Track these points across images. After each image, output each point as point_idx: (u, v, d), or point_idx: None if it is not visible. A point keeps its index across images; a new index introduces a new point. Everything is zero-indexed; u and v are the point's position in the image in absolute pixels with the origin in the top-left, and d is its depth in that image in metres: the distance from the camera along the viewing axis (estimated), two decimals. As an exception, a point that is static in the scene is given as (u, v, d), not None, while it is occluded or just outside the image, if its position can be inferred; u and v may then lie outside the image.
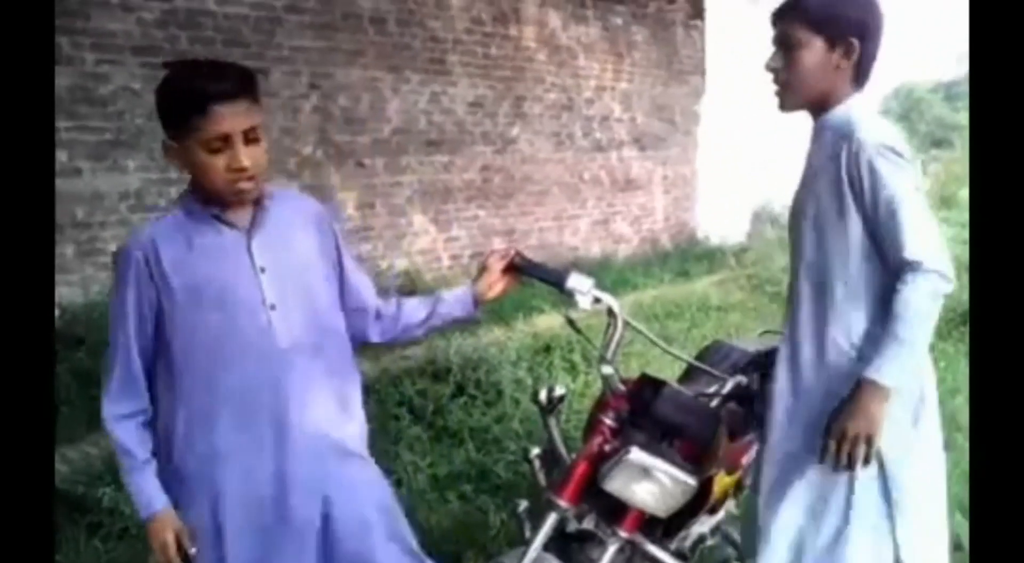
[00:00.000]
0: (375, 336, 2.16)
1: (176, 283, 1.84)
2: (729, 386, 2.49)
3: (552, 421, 2.42)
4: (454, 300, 2.20)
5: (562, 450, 2.40)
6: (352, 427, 2.05)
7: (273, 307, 1.88)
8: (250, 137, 1.80)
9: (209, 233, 1.87)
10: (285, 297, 1.90)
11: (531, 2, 8.15)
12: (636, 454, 2.10)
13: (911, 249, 1.88)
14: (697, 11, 10.26)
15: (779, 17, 2.10)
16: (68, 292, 4.96)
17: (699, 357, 2.82)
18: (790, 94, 2.11)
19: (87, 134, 5.22)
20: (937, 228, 1.96)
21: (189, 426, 1.89)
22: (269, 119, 5.98)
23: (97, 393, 1.92)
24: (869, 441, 1.91)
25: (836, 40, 2.03)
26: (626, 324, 2.25)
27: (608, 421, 2.24)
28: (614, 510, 2.21)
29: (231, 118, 1.76)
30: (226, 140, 1.77)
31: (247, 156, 1.79)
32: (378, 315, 2.14)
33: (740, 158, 10.98)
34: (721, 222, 10.49)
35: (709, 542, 2.73)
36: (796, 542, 2.11)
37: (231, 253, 1.87)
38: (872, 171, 1.93)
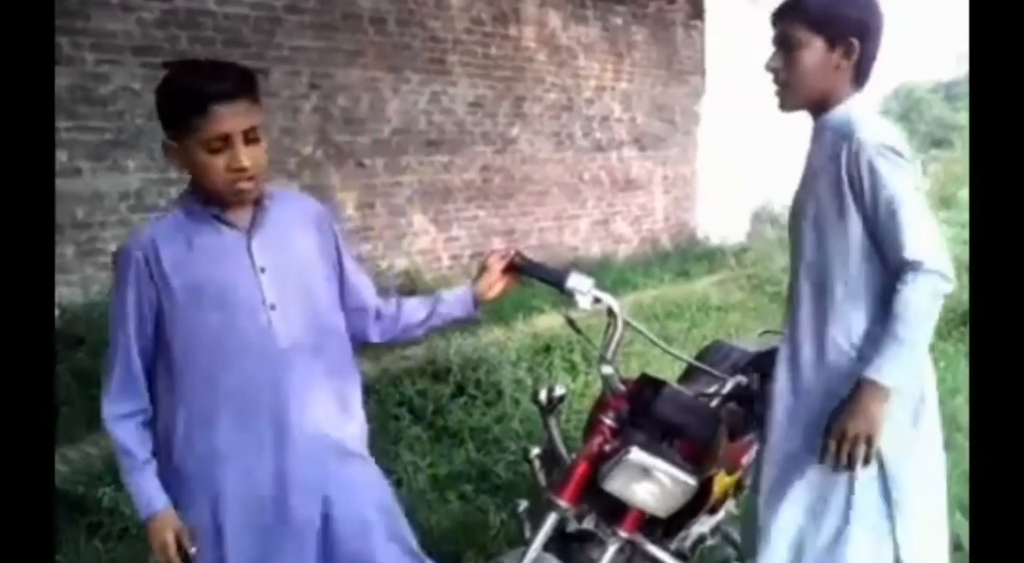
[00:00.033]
0: (375, 336, 2.16)
1: (176, 283, 1.84)
2: (729, 386, 2.48)
3: (552, 421, 2.42)
4: (454, 300, 2.20)
5: (562, 450, 2.40)
6: (352, 427, 2.05)
7: (273, 307, 1.88)
8: (250, 137, 1.80)
9: (209, 233, 1.87)
10: (285, 297, 1.90)
11: (531, 2, 8.15)
12: (636, 454, 2.10)
13: (911, 249, 1.88)
14: (697, 11, 10.26)
15: (779, 17, 2.10)
16: (68, 292, 4.96)
17: (699, 357, 2.82)
18: (790, 94, 2.11)
19: (87, 134, 5.22)
20: (937, 228, 1.96)
21: (189, 426, 1.89)
22: (269, 119, 5.98)
23: (97, 393, 1.92)
24: (869, 441, 1.91)
25: (836, 40, 2.03)
26: (626, 324, 2.25)
27: (608, 421, 2.24)
28: (614, 510, 2.21)
29: (231, 118, 1.76)
30: (226, 140, 1.77)
31: (247, 156, 1.79)
32: (378, 315, 2.14)
33: (740, 158, 10.99)
34: (721, 222, 10.49)
35: (709, 542, 2.73)
36: (796, 542, 2.11)
37: (231, 253, 1.87)
38: (872, 171, 1.93)
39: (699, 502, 2.32)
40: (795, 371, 2.13)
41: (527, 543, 2.17)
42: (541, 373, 4.95)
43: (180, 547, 1.86)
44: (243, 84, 1.80)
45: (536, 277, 2.25)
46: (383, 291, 2.27)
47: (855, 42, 2.03)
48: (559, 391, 2.40)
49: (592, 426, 2.31)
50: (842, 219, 2.01)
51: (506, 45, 7.93)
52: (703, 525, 2.63)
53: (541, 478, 2.43)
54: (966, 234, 1.93)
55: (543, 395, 2.39)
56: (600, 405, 2.36)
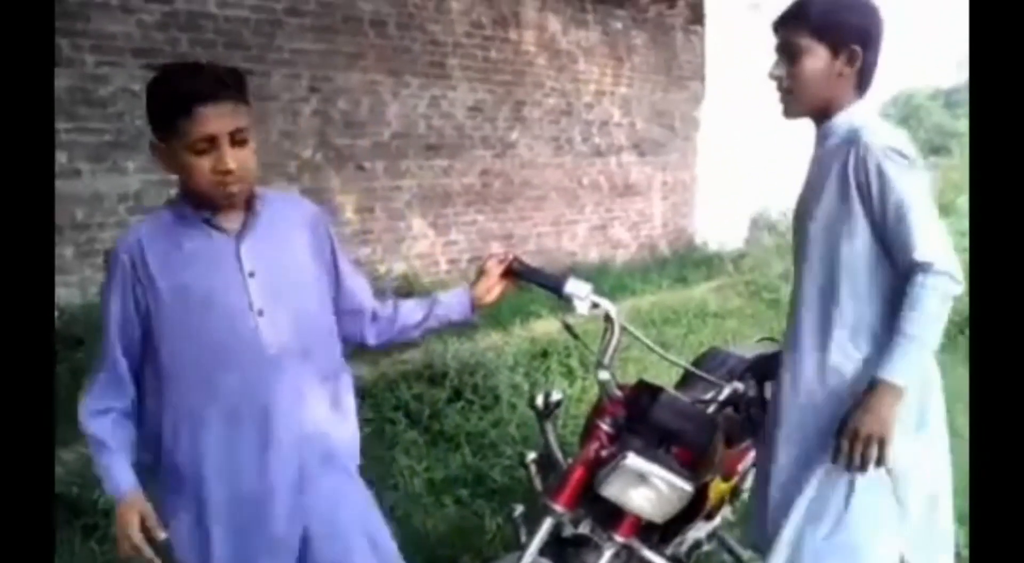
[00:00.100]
0: (371, 338, 2.16)
1: (163, 286, 1.83)
2: (726, 393, 2.49)
3: (549, 426, 2.42)
4: (451, 303, 2.19)
5: (559, 455, 2.40)
6: (343, 431, 2.04)
7: (261, 312, 1.86)
8: (237, 139, 1.78)
9: (198, 237, 1.86)
10: (274, 302, 1.88)
11: (531, 6, 8.16)
12: (633, 460, 2.10)
13: (921, 251, 1.89)
14: (697, 16, 10.27)
15: (781, 25, 2.11)
16: (67, 293, 4.96)
17: (696, 363, 2.82)
18: (794, 102, 2.12)
19: (87, 135, 5.22)
20: (945, 230, 1.96)
21: (176, 429, 1.88)
22: (269, 122, 6.01)
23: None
24: (881, 442, 1.91)
25: (839, 48, 2.04)
26: (623, 330, 2.26)
27: (605, 427, 2.24)
28: (610, 515, 2.22)
29: (215, 119, 1.75)
30: (211, 141, 1.75)
31: (233, 158, 1.77)
32: (374, 317, 2.14)
33: (739, 164, 10.99)
34: (719, 228, 10.49)
35: (705, 548, 2.74)
36: (801, 546, 2.11)
37: (219, 257, 1.86)
38: (880, 174, 1.94)
39: (695, 508, 2.33)
40: (799, 375, 2.13)
41: (523, 548, 2.17)
42: (538, 378, 4.94)
43: (150, 533, 1.83)
44: (229, 85, 1.78)
45: (534, 282, 2.25)
46: (380, 294, 2.27)
47: (858, 49, 2.04)
48: (556, 396, 2.40)
49: (589, 431, 2.31)
50: (849, 223, 2.01)
51: (506, 49, 7.94)
52: (699, 531, 2.64)
53: (537, 483, 2.44)
54: (965, 242, 1.93)
55: (540, 400, 2.40)
56: (597, 410, 2.36)
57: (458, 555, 3.19)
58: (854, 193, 1.99)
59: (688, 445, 2.22)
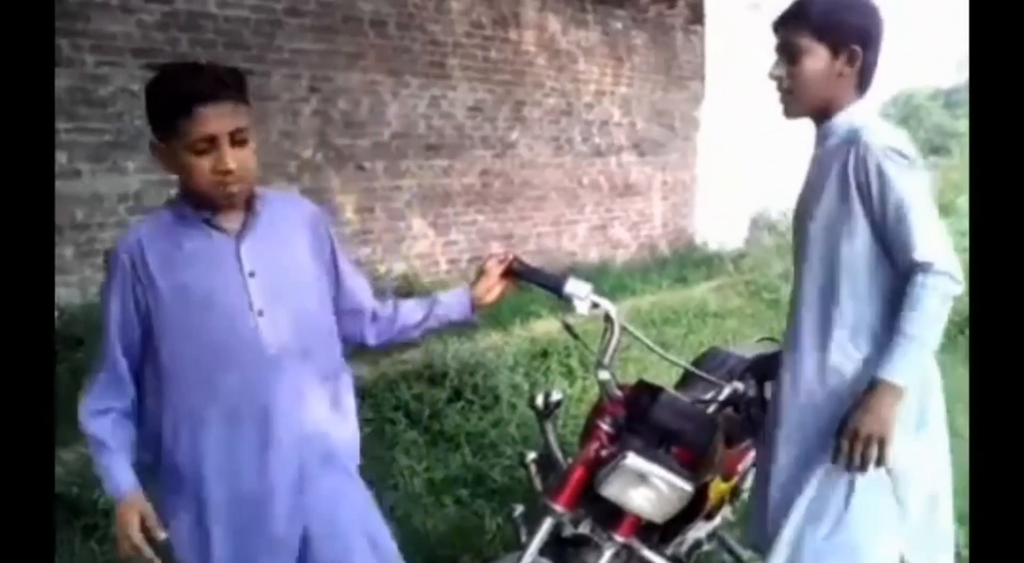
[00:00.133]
0: (371, 338, 2.15)
1: (163, 286, 1.83)
2: (726, 392, 2.49)
3: (549, 426, 2.42)
4: (451, 302, 2.19)
5: (559, 455, 2.40)
6: (343, 431, 2.04)
7: (261, 312, 1.86)
8: (237, 139, 1.78)
9: (198, 237, 1.86)
10: (274, 302, 1.88)
11: (531, 6, 8.16)
12: (633, 460, 2.10)
13: (922, 251, 1.89)
14: (697, 16, 10.27)
15: (781, 25, 2.11)
16: (67, 293, 4.96)
17: (696, 363, 2.82)
18: (795, 102, 2.12)
19: (87, 136, 5.22)
20: (945, 230, 1.96)
21: (176, 429, 1.88)
22: (269, 122, 6.01)
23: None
24: (882, 442, 1.91)
25: (840, 48, 2.04)
26: (623, 330, 2.26)
27: (605, 426, 2.24)
28: (610, 515, 2.22)
29: (215, 119, 1.74)
30: (211, 141, 1.75)
31: (233, 158, 1.77)
32: (374, 317, 2.14)
33: (739, 164, 10.99)
34: (719, 228, 10.49)
35: (705, 547, 2.74)
36: (801, 546, 2.11)
37: (218, 257, 1.86)
38: (880, 174, 1.94)
39: (695, 508, 2.33)
40: (799, 375, 2.13)
41: (523, 547, 2.17)
42: (538, 378, 4.95)
43: (150, 533, 1.82)
44: (228, 85, 1.78)
45: (534, 282, 2.25)
46: (380, 294, 2.27)
47: (858, 49, 2.04)
48: (556, 396, 2.40)
49: (589, 431, 2.31)
50: (849, 223, 2.02)
51: (506, 49, 7.94)
52: (699, 531, 2.64)
53: (537, 483, 2.44)
54: (965, 242, 1.94)
55: (540, 400, 2.40)
56: (597, 410, 2.36)
57: (458, 555, 3.19)
58: (854, 193, 1.99)
59: (688, 445, 2.22)
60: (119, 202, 5.38)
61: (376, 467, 3.82)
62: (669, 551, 2.46)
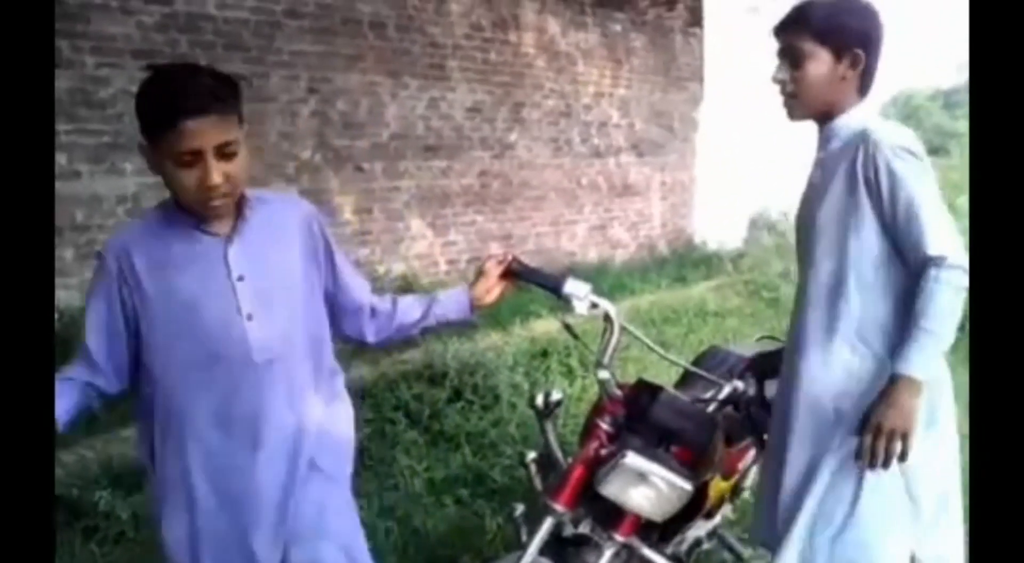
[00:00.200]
0: (370, 335, 2.14)
1: (150, 289, 1.82)
2: (726, 391, 2.49)
3: (549, 425, 2.43)
4: (449, 302, 2.18)
5: (559, 454, 2.40)
6: (334, 435, 2.01)
7: (250, 317, 1.83)
8: (224, 152, 1.73)
9: (187, 240, 1.83)
10: (264, 306, 1.85)
11: (530, 8, 8.16)
12: (632, 459, 2.10)
13: (934, 246, 1.90)
14: (696, 18, 10.29)
15: (783, 29, 2.12)
16: (67, 295, 4.95)
17: (696, 362, 2.82)
18: (798, 106, 2.14)
19: (86, 137, 5.22)
20: (954, 224, 1.97)
21: (166, 434, 1.87)
22: (267, 123, 6.02)
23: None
24: (904, 436, 1.91)
25: (842, 51, 2.06)
26: (623, 329, 2.26)
27: (605, 426, 2.24)
28: (610, 514, 2.22)
29: (200, 135, 1.69)
30: (197, 155, 1.70)
31: (219, 172, 1.72)
32: (373, 313, 2.12)
33: (737, 165, 11.00)
34: (718, 228, 10.50)
35: (705, 546, 2.74)
36: (812, 543, 2.10)
37: (207, 262, 1.83)
38: (890, 172, 1.95)
39: (695, 507, 2.33)
40: (805, 372, 2.14)
41: (523, 547, 2.17)
42: (538, 378, 4.95)
43: None
44: (218, 97, 1.72)
45: (533, 282, 2.25)
46: (380, 294, 2.26)
47: (860, 53, 2.06)
48: (556, 396, 2.40)
49: (588, 431, 2.31)
50: (856, 216, 2.03)
51: (505, 51, 7.95)
52: (699, 529, 2.64)
53: (537, 482, 2.44)
54: (965, 242, 1.94)
55: (540, 400, 2.40)
56: (597, 410, 2.36)
57: (458, 555, 3.19)
58: (862, 188, 2.00)
59: (688, 444, 2.22)
60: (117, 204, 5.38)
61: (376, 467, 3.83)
62: (669, 550, 2.46)
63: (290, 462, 1.90)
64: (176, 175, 1.73)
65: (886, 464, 1.93)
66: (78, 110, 5.16)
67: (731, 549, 2.91)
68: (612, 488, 2.13)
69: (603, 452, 2.20)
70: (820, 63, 2.07)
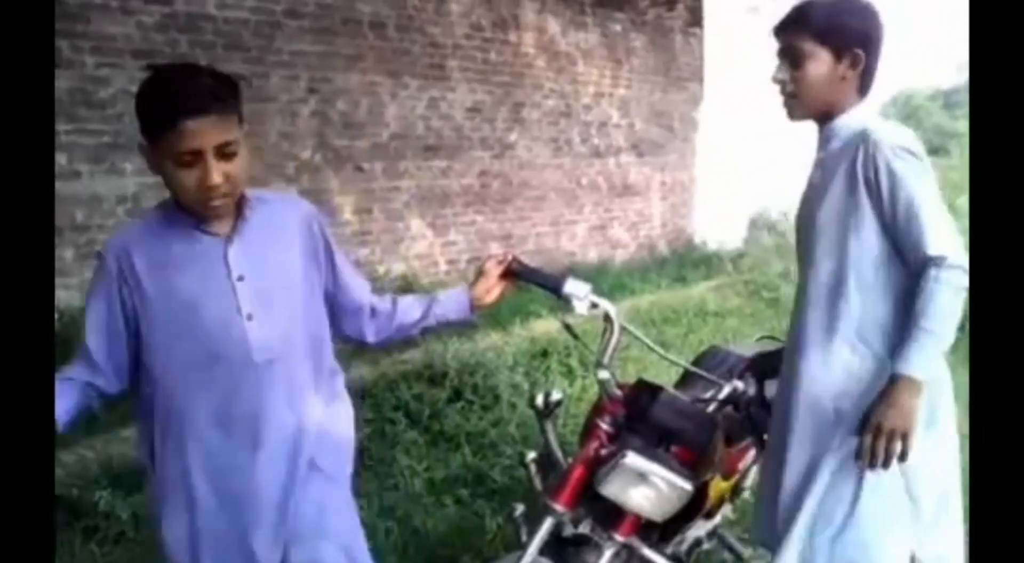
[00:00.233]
0: (371, 335, 2.13)
1: (150, 289, 1.81)
2: (726, 391, 2.50)
3: (549, 425, 2.43)
4: (449, 302, 2.18)
5: (559, 454, 2.40)
6: (334, 435, 2.01)
7: (250, 317, 1.83)
8: (224, 152, 1.73)
9: (187, 240, 1.83)
10: (264, 306, 1.85)
11: (530, 8, 8.17)
12: (632, 459, 2.10)
13: (934, 246, 1.91)
14: (696, 19, 10.29)
15: (783, 29, 2.12)
16: (67, 295, 4.95)
17: (696, 362, 2.82)
18: (798, 106, 2.14)
19: (86, 137, 5.22)
20: (954, 224, 1.97)
21: (166, 435, 1.87)
22: (267, 123, 6.02)
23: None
24: (904, 436, 1.91)
25: (842, 51, 2.06)
26: (623, 329, 2.26)
27: (604, 426, 2.24)
28: (610, 514, 2.22)
29: (200, 135, 1.69)
30: (197, 155, 1.70)
31: (219, 172, 1.72)
32: (373, 313, 2.12)
33: (737, 165, 11.00)
34: (718, 228, 10.50)
35: (705, 546, 2.74)
36: (812, 543, 2.11)
37: (207, 262, 1.83)
38: (890, 172, 1.95)
39: (695, 507, 2.33)
40: (805, 372, 2.14)
41: (523, 547, 2.17)
42: (538, 378, 4.95)
43: None
44: (218, 97, 1.72)
45: (533, 282, 2.25)
46: (380, 294, 2.26)
47: (860, 53, 2.06)
48: (556, 396, 2.40)
49: (588, 431, 2.31)
50: (856, 216, 2.03)
51: (505, 51, 7.95)
52: (699, 529, 2.64)
53: (537, 482, 2.44)
54: (965, 242, 1.94)
55: (540, 400, 2.40)
56: (597, 410, 2.36)
57: (458, 555, 3.19)
58: (862, 188, 2.01)
59: (688, 444, 2.22)
60: (117, 204, 5.38)
61: (376, 467, 3.83)
62: (669, 550, 2.46)
63: (290, 462, 1.90)
64: (176, 175, 1.73)
65: (886, 464, 1.93)
66: (78, 110, 5.16)
67: (731, 549, 2.91)
68: (612, 488, 2.13)
69: (603, 452, 2.20)
70: (820, 63, 2.07)
